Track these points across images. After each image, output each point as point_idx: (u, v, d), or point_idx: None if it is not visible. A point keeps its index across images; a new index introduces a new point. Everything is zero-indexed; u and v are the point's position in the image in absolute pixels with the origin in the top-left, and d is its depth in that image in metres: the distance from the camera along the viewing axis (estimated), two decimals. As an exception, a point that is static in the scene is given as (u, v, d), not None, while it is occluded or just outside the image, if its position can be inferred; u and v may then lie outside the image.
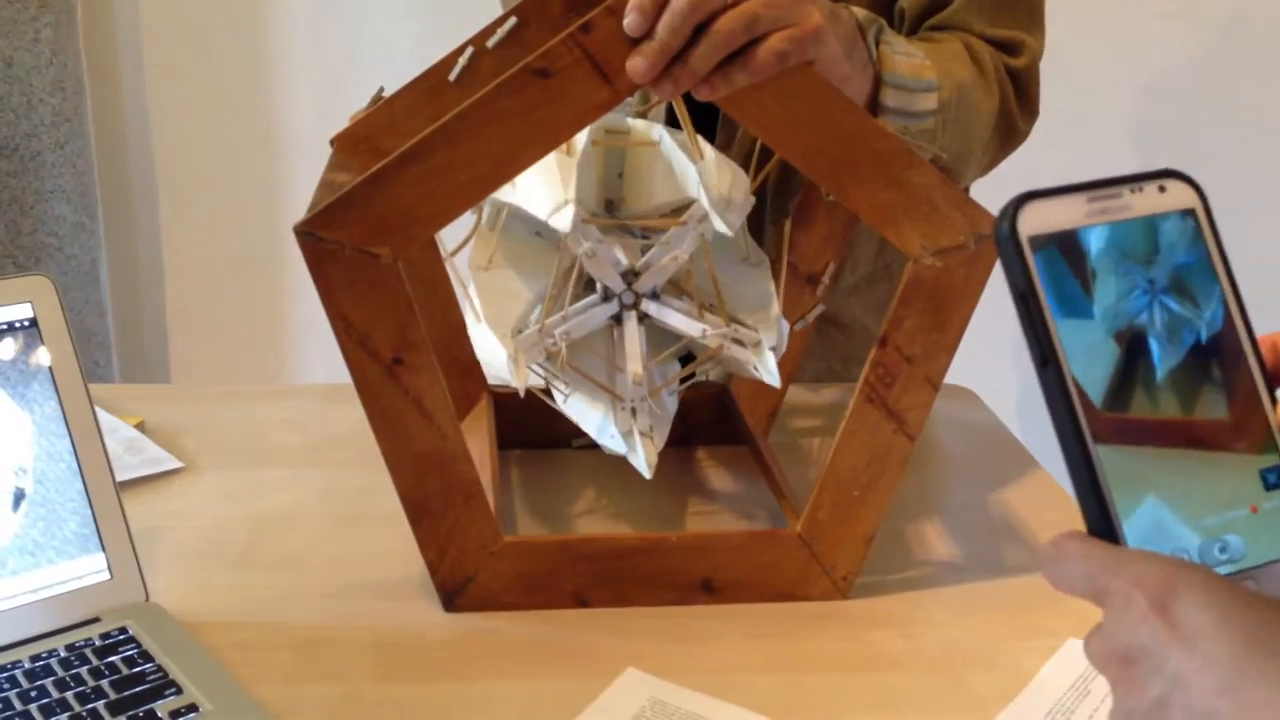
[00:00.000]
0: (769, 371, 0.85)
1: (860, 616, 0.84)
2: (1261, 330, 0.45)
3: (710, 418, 1.06)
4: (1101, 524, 0.41)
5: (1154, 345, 0.42)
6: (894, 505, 0.86)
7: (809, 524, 0.83)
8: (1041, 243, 0.41)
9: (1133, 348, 0.42)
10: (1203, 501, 0.42)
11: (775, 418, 1.07)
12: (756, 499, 0.98)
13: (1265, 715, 0.35)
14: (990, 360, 2.10)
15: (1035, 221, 0.41)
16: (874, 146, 0.75)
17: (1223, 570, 0.42)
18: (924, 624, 0.83)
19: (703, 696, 0.74)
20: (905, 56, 0.89)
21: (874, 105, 0.89)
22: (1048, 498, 1.00)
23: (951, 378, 0.84)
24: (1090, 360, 0.41)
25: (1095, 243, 0.42)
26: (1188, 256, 0.43)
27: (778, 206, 1.08)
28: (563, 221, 0.80)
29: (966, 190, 1.08)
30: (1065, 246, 0.42)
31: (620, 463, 1.00)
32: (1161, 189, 0.43)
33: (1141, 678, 0.38)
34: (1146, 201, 0.43)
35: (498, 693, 0.75)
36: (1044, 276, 0.41)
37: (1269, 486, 0.42)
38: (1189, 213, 0.44)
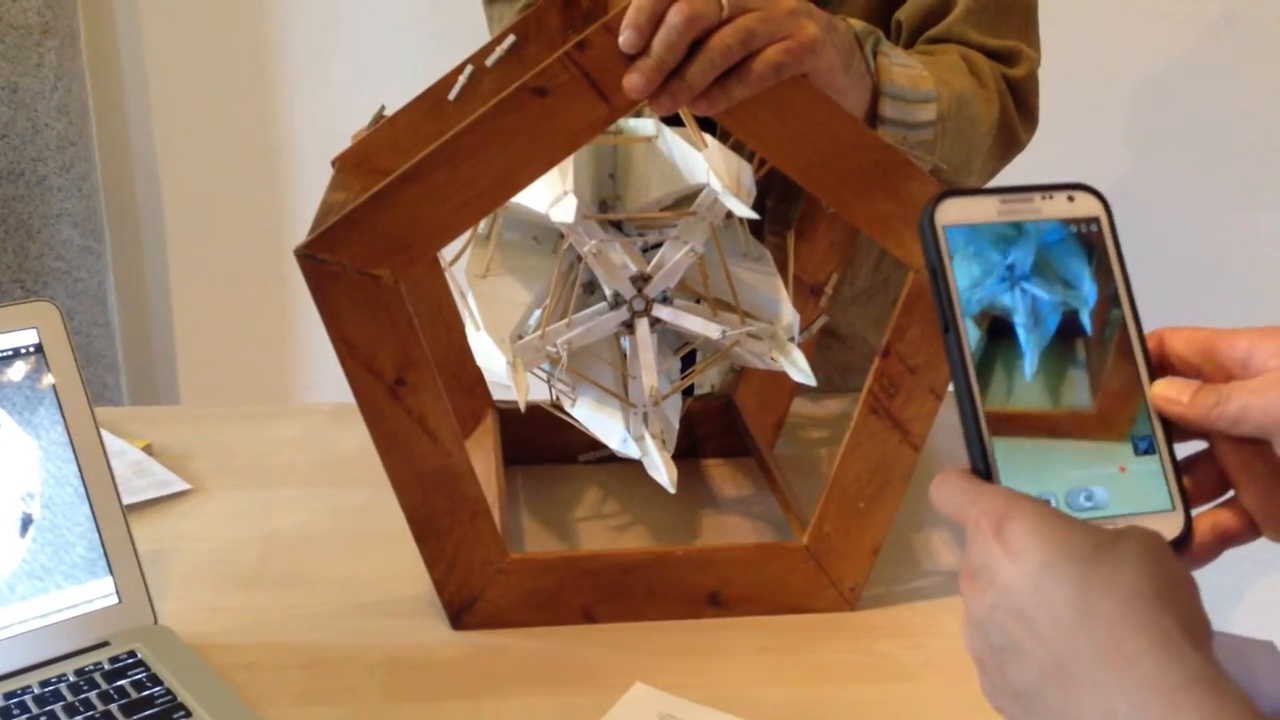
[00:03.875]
0: (802, 371, 0.84)
1: (868, 627, 0.84)
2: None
3: (716, 429, 1.07)
4: (981, 466, 0.48)
5: (1020, 334, 0.48)
6: (900, 515, 0.85)
7: (815, 536, 0.83)
8: (954, 231, 0.48)
9: (995, 332, 0.48)
10: (1076, 458, 0.48)
11: (781, 429, 1.07)
12: (763, 511, 0.98)
13: (1059, 608, 0.42)
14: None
15: (952, 214, 0.48)
16: (872, 158, 0.75)
17: (1085, 516, 0.47)
18: (932, 634, 0.83)
19: (712, 711, 0.74)
20: (903, 68, 0.89)
21: (873, 117, 0.89)
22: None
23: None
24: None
25: (991, 236, 0.49)
26: (1072, 255, 0.49)
27: (778, 217, 1.09)
28: (565, 213, 0.79)
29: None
30: (971, 237, 0.48)
31: (626, 477, 0.99)
32: (1070, 199, 0.49)
33: (980, 589, 0.45)
34: (1054, 207, 0.49)
35: (507, 710, 0.75)
36: (953, 256, 0.48)
37: (1139, 451, 0.49)
38: (1092, 220, 0.49)
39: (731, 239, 0.92)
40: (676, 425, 0.90)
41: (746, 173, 0.83)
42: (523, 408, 0.81)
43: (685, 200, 0.86)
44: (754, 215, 0.79)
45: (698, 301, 0.89)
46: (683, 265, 0.84)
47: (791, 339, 0.86)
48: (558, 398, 0.93)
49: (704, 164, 0.82)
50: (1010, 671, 0.44)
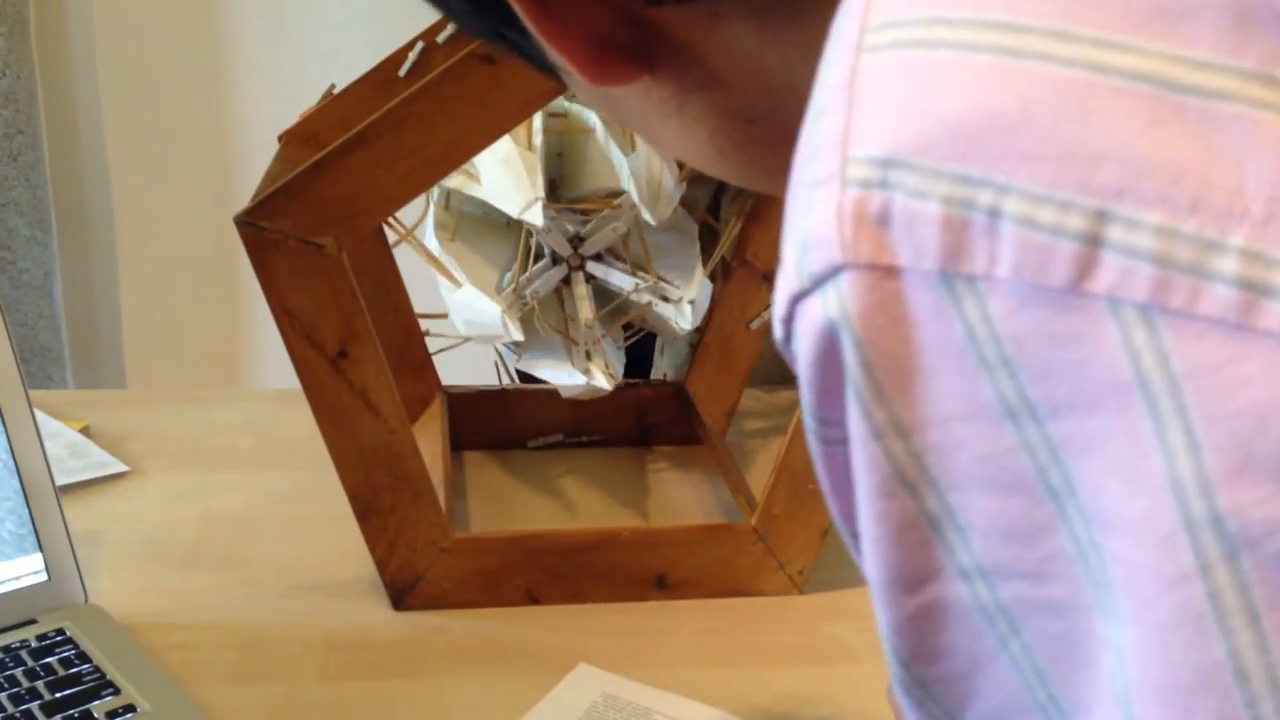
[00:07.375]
0: (684, 317, 0.89)
1: (815, 610, 0.83)
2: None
3: (667, 417, 1.05)
4: None
5: None
6: (849, 499, 0.85)
7: (763, 518, 0.83)
8: None
9: None
10: None
11: (732, 417, 1.06)
12: (713, 497, 0.97)
13: None
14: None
15: None
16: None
17: None
18: (880, 618, 0.82)
19: (655, 691, 0.73)
20: None
21: None
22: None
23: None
24: None
25: None
26: None
27: (740, 190, 1.08)
28: (535, 218, 0.82)
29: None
30: None
31: (577, 463, 0.99)
32: None
33: None
34: None
35: (447, 690, 0.73)
36: None
37: None
38: None
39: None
40: (622, 365, 0.94)
41: (669, 177, 0.85)
42: (519, 338, 0.83)
43: (620, 192, 0.88)
44: (654, 224, 0.85)
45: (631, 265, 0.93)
46: (608, 238, 0.89)
47: (691, 301, 0.90)
48: (505, 357, 0.94)
49: (629, 171, 0.83)
50: None
